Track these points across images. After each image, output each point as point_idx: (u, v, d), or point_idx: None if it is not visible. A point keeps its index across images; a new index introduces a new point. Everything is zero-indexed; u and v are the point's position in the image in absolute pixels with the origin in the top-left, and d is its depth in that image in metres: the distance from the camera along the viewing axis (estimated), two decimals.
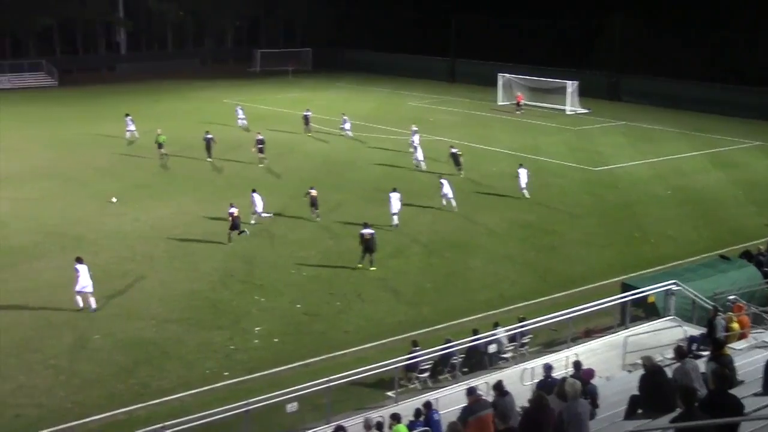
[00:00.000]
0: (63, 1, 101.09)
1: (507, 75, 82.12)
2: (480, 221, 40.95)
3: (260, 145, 51.83)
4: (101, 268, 33.46)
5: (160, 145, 53.17)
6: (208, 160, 52.36)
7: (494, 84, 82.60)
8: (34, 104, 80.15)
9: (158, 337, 27.31)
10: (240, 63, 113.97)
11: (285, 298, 30.76)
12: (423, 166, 50.91)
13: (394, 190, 39.87)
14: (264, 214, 39.64)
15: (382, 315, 29.48)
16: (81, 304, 29.51)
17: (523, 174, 45.38)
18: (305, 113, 64.97)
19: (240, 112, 66.80)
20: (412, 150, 53.10)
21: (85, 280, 29.55)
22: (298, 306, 30.05)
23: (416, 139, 54.85)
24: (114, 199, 43.94)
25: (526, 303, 30.27)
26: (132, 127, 59.78)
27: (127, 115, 60.93)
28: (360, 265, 33.70)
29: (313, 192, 41.16)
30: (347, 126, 62.52)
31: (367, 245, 33.74)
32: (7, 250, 35.37)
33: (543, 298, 30.90)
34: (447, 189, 42.48)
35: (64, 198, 44.48)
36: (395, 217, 39.40)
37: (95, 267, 33.36)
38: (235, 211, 36.92)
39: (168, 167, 51.44)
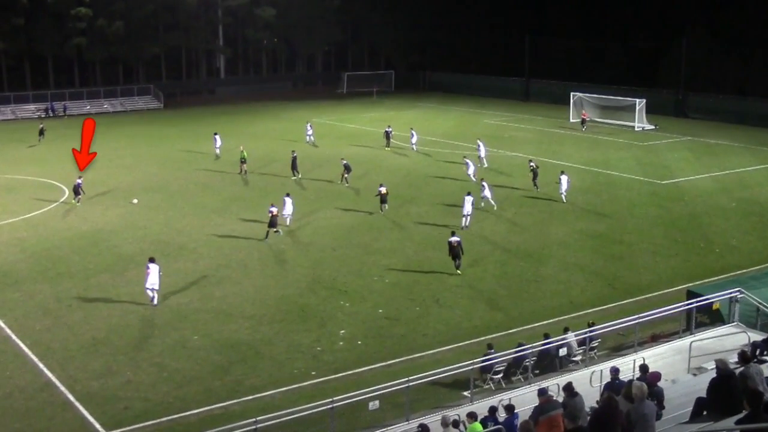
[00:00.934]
0: (170, 32, 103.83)
1: (578, 94, 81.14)
2: (552, 232, 40.51)
3: (346, 172, 51.59)
4: (200, 273, 34.15)
5: (242, 161, 54.07)
6: (293, 178, 52.78)
7: (566, 102, 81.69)
8: (142, 125, 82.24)
9: (251, 339, 27.66)
10: (328, 85, 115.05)
11: (368, 304, 30.85)
12: (473, 178, 50.07)
13: (469, 194, 40.93)
14: (288, 218, 41.06)
15: (458, 319, 29.34)
16: (154, 300, 30.73)
17: (564, 180, 46.40)
18: (387, 129, 65.53)
19: (309, 128, 67.95)
20: (472, 163, 52.42)
21: (153, 279, 30.67)
22: (380, 311, 30.10)
23: (482, 151, 55.96)
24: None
25: (595, 309, 29.79)
26: (219, 144, 61.43)
27: (216, 133, 62.87)
28: (459, 272, 33.71)
29: (383, 189, 43.99)
30: (414, 140, 63.33)
31: (455, 252, 33.81)
32: (117, 257, 36.30)
33: (611, 305, 30.37)
34: (487, 191, 44.42)
35: (168, 210, 45.42)
36: (465, 219, 40.42)
37: (195, 273, 34.15)
38: (274, 210, 39.06)
39: (247, 181, 52.08)
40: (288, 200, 41.49)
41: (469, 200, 40.42)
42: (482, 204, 43.89)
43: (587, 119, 75.94)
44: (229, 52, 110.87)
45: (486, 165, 55.59)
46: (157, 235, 40.09)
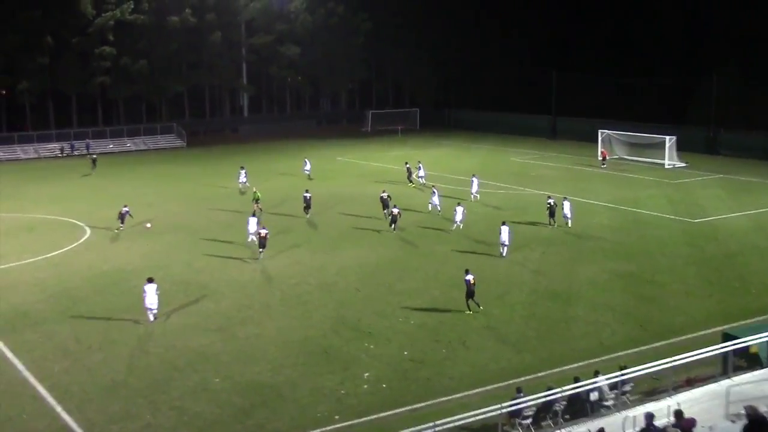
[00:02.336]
0: (193, 70, 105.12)
1: (606, 131, 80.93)
2: (581, 271, 40.14)
3: (384, 208, 52.04)
4: (223, 314, 34.07)
5: (256, 201, 54.30)
6: (306, 216, 52.82)
7: (594, 140, 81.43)
8: (164, 163, 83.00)
9: (274, 381, 27.45)
10: (353, 123, 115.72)
11: (393, 345, 30.58)
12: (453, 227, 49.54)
13: (504, 223, 42.80)
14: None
15: (485, 362, 28.99)
16: (152, 319, 32.67)
17: (567, 206, 49.58)
18: (407, 166, 66.38)
19: (307, 163, 70.45)
20: (438, 192, 54.79)
21: (151, 299, 32.72)
22: (406, 353, 29.82)
23: (474, 187, 58.48)
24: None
25: (627, 352, 29.32)
26: (243, 179, 63.21)
27: (242, 167, 64.10)
28: (469, 312, 33.55)
29: (396, 210, 48.93)
30: (422, 173, 64.91)
31: (470, 290, 33.67)
32: (138, 298, 36.06)
33: (643, 347, 29.89)
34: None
35: (190, 249, 45.53)
36: (503, 248, 42.48)
37: (217, 314, 34.08)
38: (263, 232, 42.84)
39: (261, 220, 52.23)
40: (252, 220, 45.92)
41: (505, 230, 42.38)
42: (429, 208, 52.59)
43: (607, 157, 76.03)
44: (252, 90, 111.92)
45: (478, 198, 57.78)
46: (179, 275, 40.13)
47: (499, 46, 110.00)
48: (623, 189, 63.47)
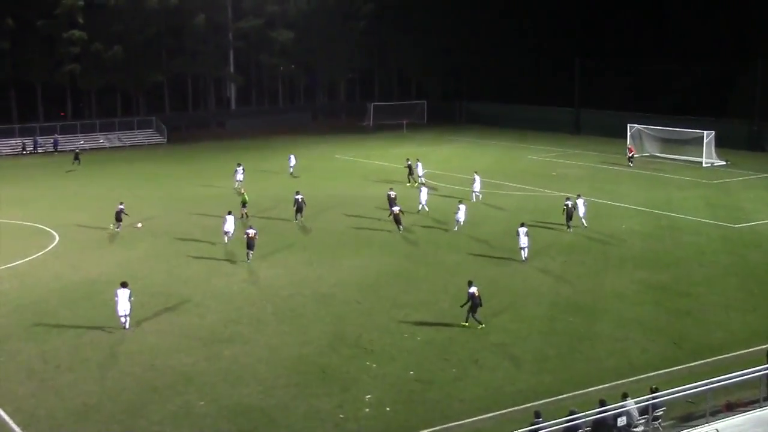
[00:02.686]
0: (174, 57, 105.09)
1: (636, 125, 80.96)
2: (607, 282, 40.20)
3: (392, 205, 52.44)
4: (208, 330, 34.16)
5: (243, 204, 54.44)
6: (295, 221, 53.00)
7: (623, 135, 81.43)
8: (142, 162, 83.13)
9: (264, 404, 27.52)
10: (352, 117, 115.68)
11: (397, 364, 30.66)
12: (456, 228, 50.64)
13: (522, 225, 43.80)
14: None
15: (500, 383, 29.05)
16: (125, 327, 33.89)
17: (581, 204, 50.66)
18: (408, 163, 66.89)
19: (292, 159, 72.29)
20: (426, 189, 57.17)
21: (124, 305, 33.92)
22: (411, 372, 29.89)
23: (477, 185, 59.62)
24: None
25: (659, 372, 29.36)
26: (240, 177, 64.46)
27: (239, 164, 65.31)
28: (465, 324, 33.88)
29: (396, 209, 50.47)
30: (420, 172, 65.63)
31: (476, 304, 33.89)
32: (113, 312, 36.23)
33: (678, 367, 29.93)
34: (461, 214, 50.26)
35: (171, 257, 45.63)
36: (523, 252, 43.42)
37: (202, 329, 34.19)
38: (251, 232, 44.35)
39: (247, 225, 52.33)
40: (229, 218, 47.38)
41: (523, 231, 43.47)
42: (419, 208, 54.40)
43: (635, 155, 76.11)
44: (240, 80, 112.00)
45: (480, 198, 59.05)
46: (159, 286, 40.24)
47: (516, 30, 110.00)
48: (655, 190, 63.53)
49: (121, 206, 51.42)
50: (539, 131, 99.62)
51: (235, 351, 32.06)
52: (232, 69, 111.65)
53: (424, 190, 56.03)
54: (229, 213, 47.97)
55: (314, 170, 73.61)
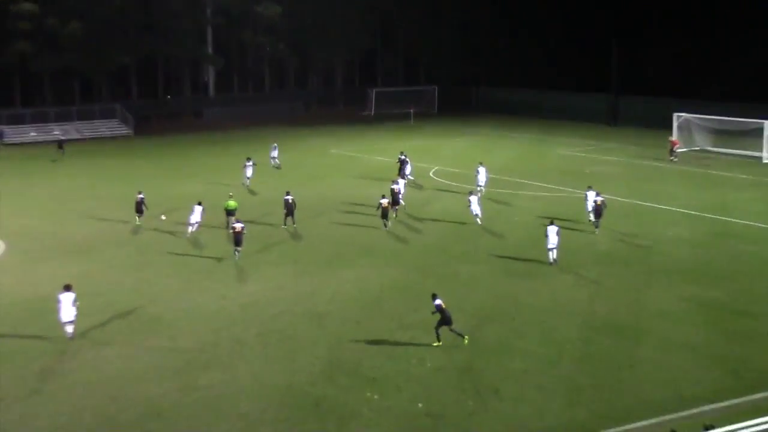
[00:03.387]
0: (143, 35, 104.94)
1: (684, 114, 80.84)
2: (651, 299, 40.00)
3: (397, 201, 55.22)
4: (181, 355, 33.92)
5: (229, 213, 52.40)
6: (284, 226, 52.95)
7: (668, 126, 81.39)
8: (105, 157, 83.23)
9: None
10: (351, 106, 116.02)
11: (403, 396, 30.44)
12: (479, 221, 53.55)
13: (552, 223, 44.87)
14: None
15: (525, 417, 28.84)
16: (70, 334, 34.86)
17: (590, 197, 52.63)
18: (400, 158, 67.50)
19: (274, 150, 74.63)
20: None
21: (67, 311, 34.90)
22: (420, 405, 29.70)
23: (482, 178, 62.17)
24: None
25: (714, 406, 29.15)
26: (250, 173, 66.72)
27: (249, 158, 66.77)
28: (438, 344, 34.28)
29: (384, 201, 51.91)
30: (408, 170, 66.77)
31: (446, 318, 34.43)
32: (63, 329, 36.18)
33: (737, 400, 29.70)
34: (475, 206, 52.95)
35: (139, 270, 45.47)
36: (551, 253, 44.60)
37: (173, 354, 33.98)
38: (238, 226, 46.28)
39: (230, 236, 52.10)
40: (198, 208, 50.70)
41: (553, 230, 44.58)
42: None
43: (679, 148, 76.07)
44: (220, 63, 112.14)
45: (484, 192, 61.15)
46: (124, 304, 39.99)
47: (543, 6, 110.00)
48: (707, 190, 63.46)
49: (141, 196, 54.94)
50: (569, 122, 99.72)
51: (212, 380, 31.83)
52: (210, 49, 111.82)
53: (400, 182, 58.28)
54: (199, 203, 51.10)
55: (306, 167, 73.47)
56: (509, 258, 46.38)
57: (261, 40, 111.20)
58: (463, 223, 53.38)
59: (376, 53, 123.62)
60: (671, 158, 75.17)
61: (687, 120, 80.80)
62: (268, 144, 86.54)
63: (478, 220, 52.57)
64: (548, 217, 52.82)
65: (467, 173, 67.80)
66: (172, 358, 33.83)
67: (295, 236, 51.70)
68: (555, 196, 62.14)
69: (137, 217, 54.56)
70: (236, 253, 45.84)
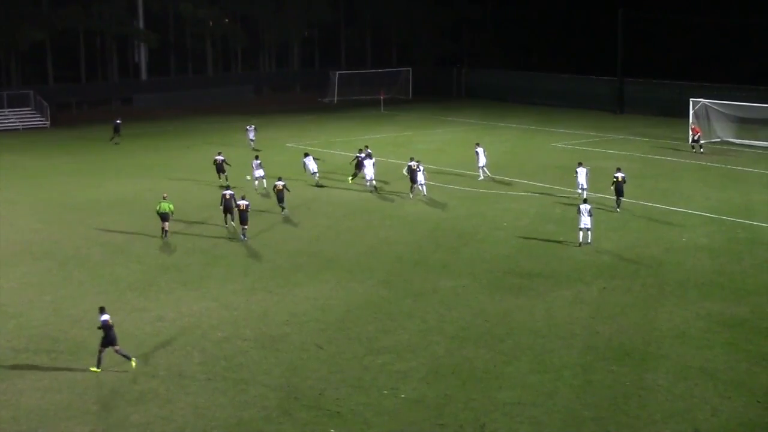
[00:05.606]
0: (60, 7, 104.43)
1: (702, 100, 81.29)
2: (662, 317, 40.26)
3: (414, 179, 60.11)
4: (109, 386, 33.94)
5: (163, 217, 52.65)
6: (242, 239, 52.85)
7: (682, 114, 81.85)
8: (15, 153, 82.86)
9: None
10: (310, 91, 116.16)
11: None
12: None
13: (585, 201, 50.88)
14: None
15: None
16: None
17: (582, 173, 57.85)
18: (358, 155, 68.14)
19: (251, 131, 79.88)
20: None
21: None
22: None
23: (481, 160, 66.64)
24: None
25: None
26: (252, 136, 73.32)
27: (256, 158, 67.38)
28: (96, 369, 34.85)
29: (280, 184, 56.62)
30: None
31: (110, 336, 35.01)
32: None
33: None
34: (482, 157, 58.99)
35: (59, 287, 45.34)
36: (582, 234, 49.63)
37: (101, 385, 34.01)
38: (243, 204, 51.23)
39: (170, 245, 52.08)
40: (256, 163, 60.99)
41: (585, 209, 49.18)
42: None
43: (700, 137, 76.45)
44: (154, 41, 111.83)
45: (488, 175, 66.73)
46: (41, 327, 39.88)
47: None
48: (728, 190, 63.88)
49: (221, 157, 65.22)
50: (567, 109, 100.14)
51: (148, 416, 31.84)
52: (141, 24, 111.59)
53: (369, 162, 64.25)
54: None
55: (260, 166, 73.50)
56: (497, 270, 46.59)
57: (202, 13, 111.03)
58: (442, 230, 53.61)
59: (340, 29, 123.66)
60: (694, 149, 75.73)
61: (705, 107, 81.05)
62: (210, 136, 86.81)
63: (482, 176, 60.66)
64: (541, 222, 53.40)
65: (447, 170, 67.90)
66: (100, 390, 33.83)
67: (245, 247, 51.75)
68: (548, 197, 62.21)
69: (219, 176, 64.81)
70: (244, 231, 51.25)
